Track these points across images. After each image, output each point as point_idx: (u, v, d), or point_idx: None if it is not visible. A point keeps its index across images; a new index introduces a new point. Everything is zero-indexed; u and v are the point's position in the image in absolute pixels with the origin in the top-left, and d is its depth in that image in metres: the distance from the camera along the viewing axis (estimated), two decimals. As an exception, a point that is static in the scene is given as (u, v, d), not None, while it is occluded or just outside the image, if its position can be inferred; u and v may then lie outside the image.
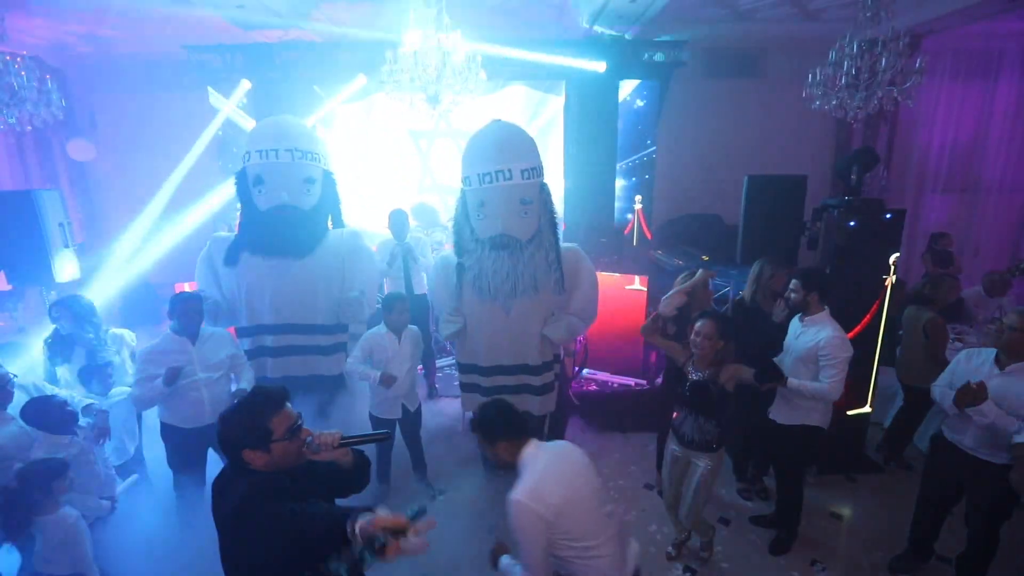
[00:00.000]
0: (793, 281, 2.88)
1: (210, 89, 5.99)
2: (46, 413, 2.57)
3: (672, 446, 2.82)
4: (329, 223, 3.58)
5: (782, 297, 3.13)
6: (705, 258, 5.27)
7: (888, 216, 3.38)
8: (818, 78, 4.10)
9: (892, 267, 3.32)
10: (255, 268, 3.30)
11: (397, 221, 4.56)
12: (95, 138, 6.71)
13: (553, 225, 3.21)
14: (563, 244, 3.32)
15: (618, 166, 6.46)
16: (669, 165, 6.65)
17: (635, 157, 6.60)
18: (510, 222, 3.06)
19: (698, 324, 2.61)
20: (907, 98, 3.82)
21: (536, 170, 3.13)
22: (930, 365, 3.46)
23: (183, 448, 2.97)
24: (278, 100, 5.87)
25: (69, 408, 2.64)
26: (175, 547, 2.77)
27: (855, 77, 3.89)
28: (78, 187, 7.01)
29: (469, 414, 2.27)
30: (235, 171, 3.42)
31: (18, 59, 4.66)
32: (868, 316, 3.45)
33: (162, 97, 6.70)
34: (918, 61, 3.82)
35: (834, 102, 4.06)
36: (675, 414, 2.81)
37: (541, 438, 3.73)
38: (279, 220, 3.25)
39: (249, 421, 1.43)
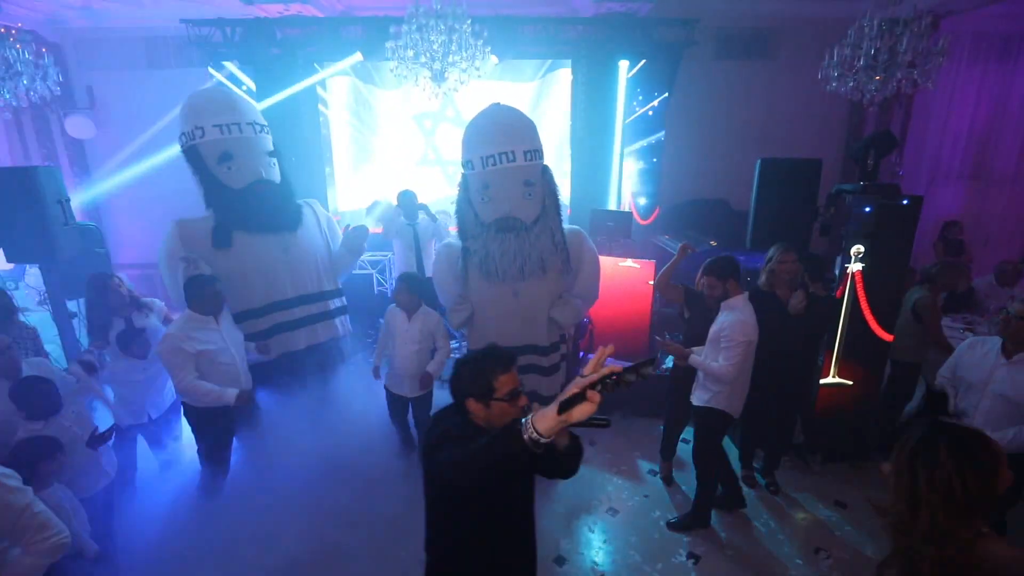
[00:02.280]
0: (704, 279, 2.90)
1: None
2: (27, 396, 2.42)
3: None
4: None
5: (787, 284, 3.12)
6: (713, 243, 5.20)
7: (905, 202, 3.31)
8: (835, 59, 3.99)
9: (852, 257, 3.33)
10: (256, 247, 3.23)
11: (407, 201, 4.49)
12: (93, 115, 6.59)
13: (556, 206, 3.19)
14: (566, 226, 3.30)
15: (626, 150, 6.34)
16: (677, 149, 6.52)
17: (644, 141, 6.47)
18: (515, 204, 3.04)
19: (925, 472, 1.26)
20: (927, 80, 3.72)
21: (538, 152, 3.11)
22: (913, 342, 3.53)
23: (223, 420, 3.00)
24: (279, 77, 5.74)
25: (53, 397, 2.48)
26: (192, 529, 2.81)
27: (874, 58, 3.79)
28: (77, 165, 6.92)
29: None
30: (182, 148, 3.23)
31: (13, 32, 4.56)
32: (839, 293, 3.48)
33: (161, 74, 6.56)
34: (940, 42, 3.70)
35: (851, 84, 3.96)
36: None
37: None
38: (263, 196, 3.18)
39: (477, 373, 1.53)
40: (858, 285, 3.33)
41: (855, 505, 3.36)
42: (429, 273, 4.55)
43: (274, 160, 3.32)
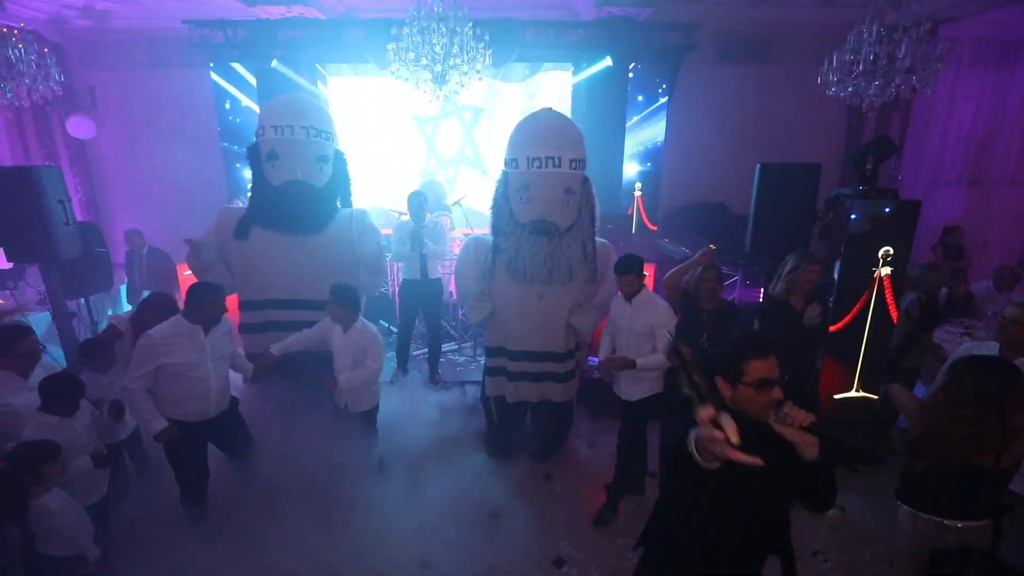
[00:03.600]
0: (621, 279, 2.95)
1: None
2: (59, 390, 2.40)
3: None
4: (338, 203, 3.61)
5: (804, 294, 3.11)
6: (713, 247, 5.20)
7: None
8: (834, 64, 4.01)
9: (881, 260, 3.29)
10: (267, 243, 3.30)
11: (415, 203, 4.50)
12: (95, 116, 6.61)
13: (592, 217, 3.22)
14: (597, 239, 3.33)
15: (626, 153, 6.35)
16: (677, 152, 6.55)
17: (645, 145, 6.48)
18: (553, 209, 3.06)
19: None
20: (926, 86, 3.74)
21: (583, 162, 3.15)
22: (910, 345, 3.52)
23: (184, 444, 2.75)
24: (281, 78, 5.76)
25: (80, 398, 2.48)
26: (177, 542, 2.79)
27: (873, 64, 3.81)
28: (78, 165, 6.92)
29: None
30: (248, 145, 3.44)
31: (15, 32, 4.57)
32: (856, 308, 3.41)
33: (163, 74, 6.58)
34: (938, 48, 3.73)
35: (850, 89, 3.98)
36: None
37: (567, 425, 3.75)
38: (292, 196, 3.26)
39: (729, 353, 1.51)
40: (887, 290, 3.22)
41: (853, 508, 3.36)
42: (432, 275, 4.55)
43: (323, 165, 3.38)
